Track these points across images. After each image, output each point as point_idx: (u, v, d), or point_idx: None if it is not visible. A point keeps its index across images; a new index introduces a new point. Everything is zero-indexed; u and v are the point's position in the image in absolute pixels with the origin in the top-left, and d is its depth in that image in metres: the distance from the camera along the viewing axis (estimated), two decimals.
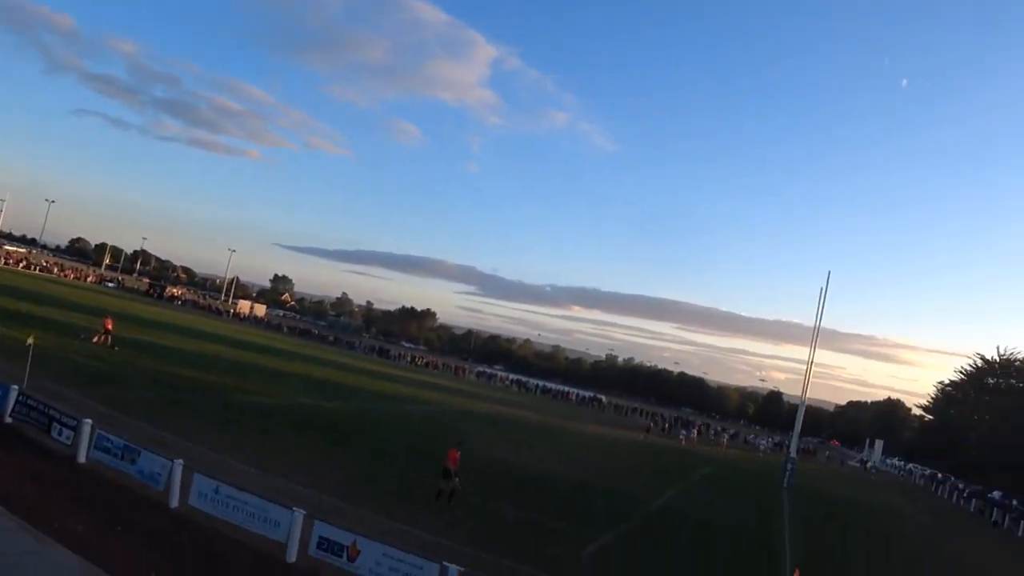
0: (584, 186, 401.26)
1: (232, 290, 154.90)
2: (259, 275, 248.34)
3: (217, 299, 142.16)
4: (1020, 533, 45.14)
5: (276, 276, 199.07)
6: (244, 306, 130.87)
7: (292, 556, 12.73)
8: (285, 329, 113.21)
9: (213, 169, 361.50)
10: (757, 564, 21.92)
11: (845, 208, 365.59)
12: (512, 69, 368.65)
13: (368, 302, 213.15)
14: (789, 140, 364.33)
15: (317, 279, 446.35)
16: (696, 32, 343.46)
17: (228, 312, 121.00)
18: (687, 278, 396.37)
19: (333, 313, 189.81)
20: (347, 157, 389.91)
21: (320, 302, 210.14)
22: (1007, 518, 50.04)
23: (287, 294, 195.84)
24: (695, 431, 79.67)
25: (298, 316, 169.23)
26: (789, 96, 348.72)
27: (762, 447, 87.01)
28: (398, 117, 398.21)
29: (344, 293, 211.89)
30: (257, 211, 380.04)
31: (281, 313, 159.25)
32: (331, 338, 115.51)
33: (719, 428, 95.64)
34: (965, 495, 64.30)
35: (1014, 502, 55.60)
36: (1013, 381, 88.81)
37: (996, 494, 60.64)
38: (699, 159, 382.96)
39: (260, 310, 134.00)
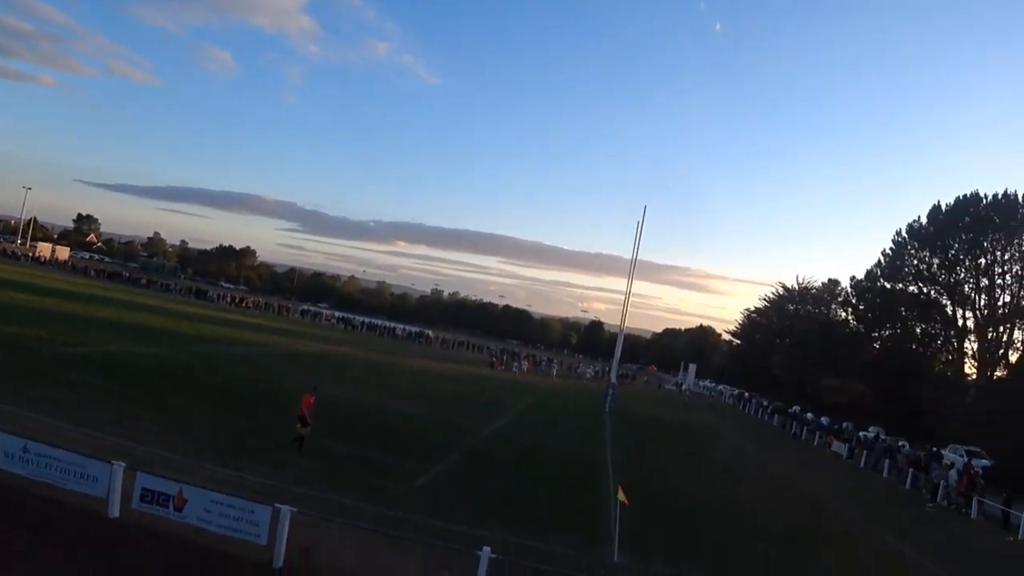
0: (407, 120, 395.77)
1: (30, 232, 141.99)
2: (61, 215, 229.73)
3: (13, 242, 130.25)
4: (815, 443, 50.44)
5: (80, 216, 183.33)
6: (44, 249, 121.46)
7: (115, 511, 12.31)
8: (92, 272, 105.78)
9: (1, 97, 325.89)
10: (584, 483, 23.37)
11: (662, 145, 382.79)
12: None
13: (183, 241, 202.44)
14: (609, 76, 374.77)
15: (127, 218, 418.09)
16: None
17: (27, 256, 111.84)
18: (512, 213, 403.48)
19: (145, 254, 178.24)
20: (155, 86, 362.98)
21: (130, 242, 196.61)
22: (804, 430, 55.69)
23: (93, 235, 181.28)
24: (526, 362, 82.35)
25: (106, 258, 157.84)
26: (609, 33, 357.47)
27: (587, 375, 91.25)
28: (210, 44, 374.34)
29: (156, 232, 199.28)
30: (55, 145, 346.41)
31: (87, 256, 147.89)
32: (143, 280, 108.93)
33: (546, 359, 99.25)
34: (768, 411, 70.68)
35: (809, 415, 61.87)
36: (809, 307, 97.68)
37: (795, 409, 67.18)
38: (522, 95, 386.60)
39: (63, 253, 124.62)
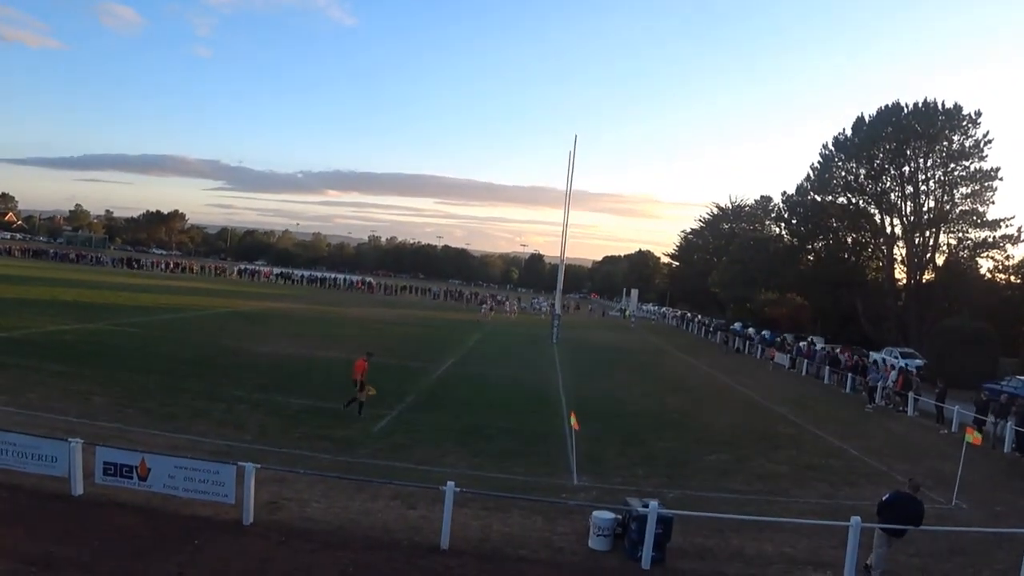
0: (326, 64, 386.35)
1: None
2: None
3: None
4: (758, 357, 52.06)
5: None
6: None
7: (78, 489, 12.31)
8: (16, 253, 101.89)
9: None
10: (538, 412, 23.94)
11: (588, 73, 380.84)
12: None
13: (107, 211, 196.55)
14: (533, 3, 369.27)
15: (45, 193, 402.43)
16: None
17: None
18: (443, 151, 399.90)
19: (69, 228, 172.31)
20: (55, 49, 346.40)
21: (52, 217, 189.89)
22: (747, 345, 57.40)
23: (11, 213, 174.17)
24: (489, 305, 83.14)
25: (29, 236, 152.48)
26: None
27: (544, 309, 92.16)
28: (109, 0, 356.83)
29: (78, 205, 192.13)
30: None
31: (8, 236, 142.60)
32: (72, 255, 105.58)
33: (502, 297, 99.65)
34: (711, 329, 72.47)
35: (750, 330, 63.70)
36: (744, 225, 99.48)
37: (737, 325, 68.99)
38: (443, 29, 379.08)
39: None
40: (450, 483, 11.77)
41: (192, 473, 12.10)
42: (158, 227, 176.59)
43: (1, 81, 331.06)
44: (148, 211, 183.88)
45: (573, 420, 16.08)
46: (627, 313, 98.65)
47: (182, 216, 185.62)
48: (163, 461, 12.32)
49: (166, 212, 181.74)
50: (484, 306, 76.81)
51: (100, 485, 12.29)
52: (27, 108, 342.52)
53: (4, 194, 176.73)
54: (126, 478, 12.20)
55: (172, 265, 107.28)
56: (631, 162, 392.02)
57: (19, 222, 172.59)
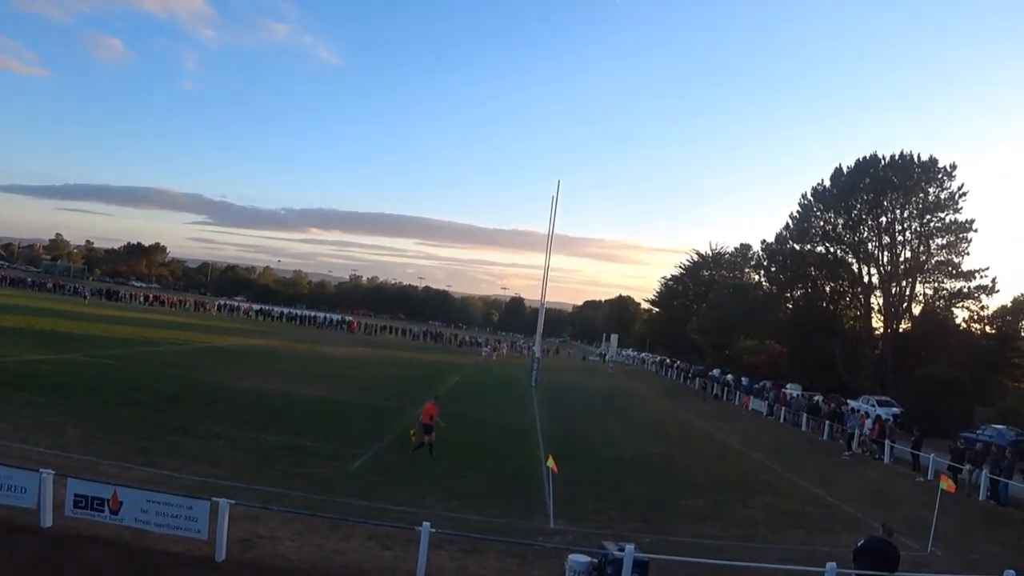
0: (311, 102, 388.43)
1: None
2: None
3: None
4: (736, 403, 52.22)
5: None
6: None
7: (47, 520, 12.08)
8: None
9: None
10: (515, 454, 23.84)
11: (572, 120, 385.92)
12: None
13: (88, 241, 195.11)
14: (516, 51, 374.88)
15: (25, 220, 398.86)
16: None
17: None
18: (425, 193, 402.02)
19: (48, 257, 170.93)
20: (43, 77, 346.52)
21: (31, 246, 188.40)
22: (725, 391, 57.58)
23: None
24: (492, 348, 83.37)
25: (7, 264, 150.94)
26: (512, 5, 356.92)
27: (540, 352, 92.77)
28: (98, 31, 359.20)
29: (58, 234, 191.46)
30: None
31: None
32: (50, 285, 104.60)
33: (496, 340, 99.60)
34: (690, 375, 72.66)
35: (729, 377, 63.95)
36: (724, 272, 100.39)
37: (716, 372, 69.26)
38: (427, 72, 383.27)
39: None
40: (426, 524, 11.68)
41: (165, 508, 11.91)
42: (139, 259, 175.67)
43: None
44: (129, 243, 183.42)
45: (551, 463, 16.05)
46: (606, 358, 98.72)
47: (163, 249, 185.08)
48: (135, 495, 12.14)
49: (147, 245, 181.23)
50: (486, 349, 76.96)
51: (70, 518, 12.05)
52: (10, 135, 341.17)
53: None
54: (97, 511, 11.98)
55: (151, 298, 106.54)
56: (613, 208, 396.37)
57: None
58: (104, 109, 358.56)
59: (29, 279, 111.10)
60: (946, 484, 17.02)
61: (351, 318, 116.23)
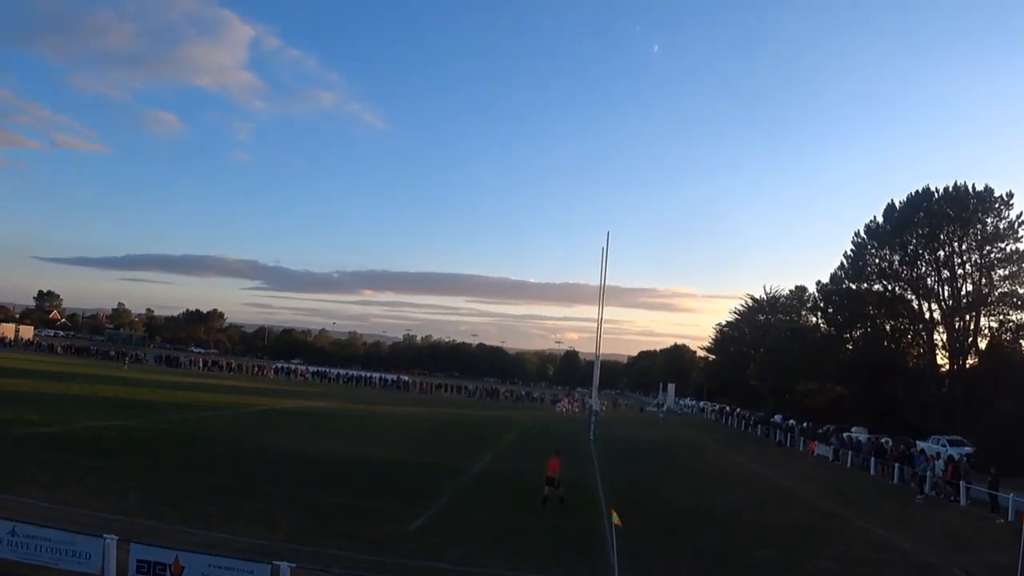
0: (360, 166, 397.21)
1: None
2: (21, 294, 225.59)
3: None
4: (800, 449, 50.75)
5: (41, 293, 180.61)
6: (7, 330, 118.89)
7: None
8: (59, 349, 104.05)
9: None
10: (576, 509, 23.34)
11: (620, 172, 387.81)
12: (272, 49, 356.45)
13: (148, 309, 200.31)
14: (560, 104, 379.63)
15: (88, 291, 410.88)
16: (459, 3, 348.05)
17: None
18: (475, 250, 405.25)
19: (111, 326, 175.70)
20: (103, 153, 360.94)
21: (94, 316, 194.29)
22: (788, 437, 56.02)
23: (55, 311, 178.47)
24: (566, 401, 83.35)
25: (72, 334, 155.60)
26: (557, 62, 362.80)
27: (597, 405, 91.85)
28: (154, 107, 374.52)
29: (120, 303, 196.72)
30: (8, 223, 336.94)
31: (52, 333, 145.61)
32: (112, 352, 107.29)
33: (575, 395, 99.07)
34: (751, 422, 70.96)
35: (791, 422, 62.31)
36: (780, 315, 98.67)
37: (778, 418, 67.60)
38: (472, 130, 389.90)
39: (27, 332, 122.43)
40: None
41: (226, 572, 11.80)
42: (197, 326, 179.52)
43: (52, 183, 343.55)
44: (188, 310, 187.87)
45: (614, 517, 15.63)
46: (663, 407, 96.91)
47: (221, 315, 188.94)
48: (197, 559, 12.09)
49: (205, 311, 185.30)
50: (560, 403, 76.96)
51: None
52: (73, 209, 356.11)
53: (49, 292, 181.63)
54: None
55: (210, 363, 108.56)
56: (664, 256, 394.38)
57: (62, 319, 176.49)
58: (162, 181, 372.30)
59: (92, 348, 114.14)
60: None
61: (407, 378, 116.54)
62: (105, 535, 12.38)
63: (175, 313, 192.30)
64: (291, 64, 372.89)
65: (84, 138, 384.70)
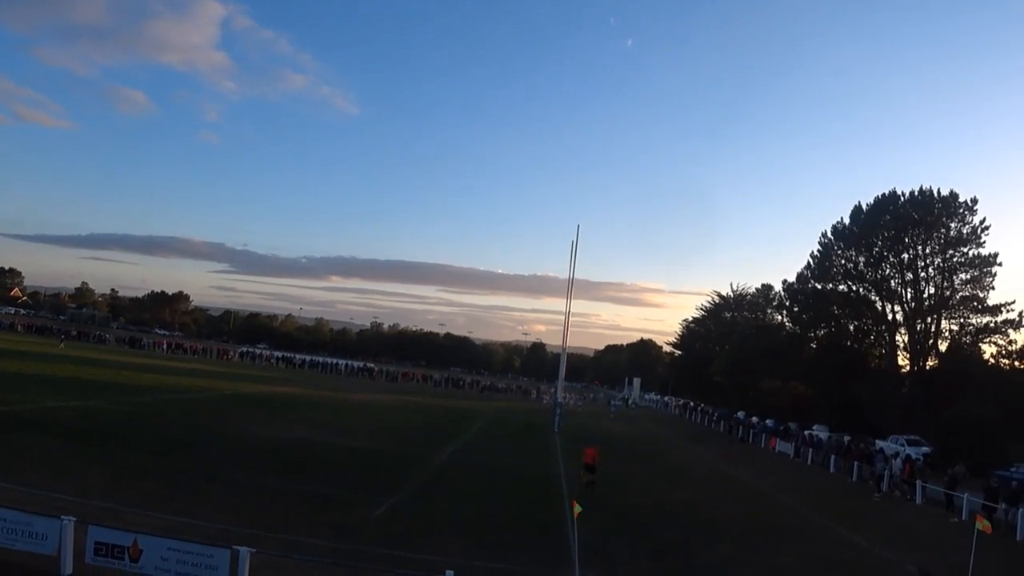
0: (331, 152, 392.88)
1: None
2: None
3: None
4: (762, 445, 51.41)
5: (2, 270, 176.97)
6: None
7: (67, 568, 11.95)
8: (19, 328, 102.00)
9: None
10: (539, 500, 23.51)
11: (591, 165, 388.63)
12: (243, 29, 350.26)
13: (112, 290, 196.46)
14: (531, 96, 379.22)
15: (51, 269, 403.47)
16: None
17: None
18: (445, 240, 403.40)
19: (73, 305, 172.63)
20: (68, 129, 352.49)
21: (57, 294, 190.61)
22: (751, 434, 56.70)
23: (16, 288, 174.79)
24: (541, 392, 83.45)
25: (33, 312, 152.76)
26: (530, 52, 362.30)
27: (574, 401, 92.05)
28: (122, 84, 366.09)
29: (84, 283, 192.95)
30: None
31: (12, 311, 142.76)
32: (74, 332, 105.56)
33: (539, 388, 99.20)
34: (714, 418, 71.73)
35: (754, 419, 63.07)
36: (746, 313, 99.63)
37: (740, 414, 68.35)
38: (445, 119, 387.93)
39: None
40: (449, 572, 11.44)
41: (185, 556, 11.74)
42: (162, 308, 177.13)
43: (15, 158, 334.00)
44: (153, 291, 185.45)
45: (576, 508, 15.76)
46: (629, 402, 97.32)
47: (186, 297, 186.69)
48: (156, 543, 11.99)
49: (170, 293, 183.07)
50: (546, 397, 77.28)
51: (90, 565, 11.92)
52: (37, 185, 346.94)
53: (11, 269, 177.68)
54: (117, 559, 11.84)
55: (174, 346, 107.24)
56: (632, 251, 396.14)
57: (24, 298, 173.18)
58: (128, 160, 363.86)
59: (54, 327, 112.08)
60: (982, 524, 16.54)
61: (373, 365, 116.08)
62: (63, 516, 12.24)
63: (139, 294, 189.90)
64: (263, 45, 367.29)
65: (49, 113, 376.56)
